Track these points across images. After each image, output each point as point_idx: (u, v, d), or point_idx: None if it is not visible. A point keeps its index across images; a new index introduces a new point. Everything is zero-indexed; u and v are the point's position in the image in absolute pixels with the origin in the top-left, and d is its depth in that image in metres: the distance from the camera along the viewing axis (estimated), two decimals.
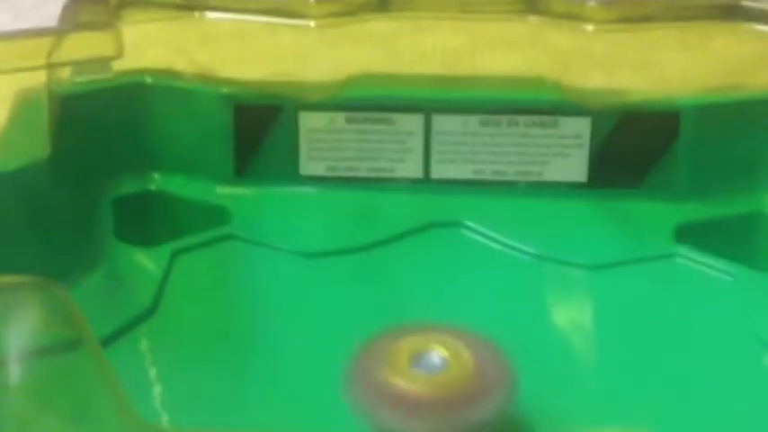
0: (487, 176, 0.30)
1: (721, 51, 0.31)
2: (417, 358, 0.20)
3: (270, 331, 0.25)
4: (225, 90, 0.29)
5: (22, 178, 0.25)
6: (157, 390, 0.23)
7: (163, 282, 0.26)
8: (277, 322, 0.26)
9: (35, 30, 0.25)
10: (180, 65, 0.30)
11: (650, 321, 0.26)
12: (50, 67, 0.25)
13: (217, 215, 0.29)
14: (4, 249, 0.24)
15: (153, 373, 0.24)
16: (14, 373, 0.15)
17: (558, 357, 0.25)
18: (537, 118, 0.29)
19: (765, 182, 0.29)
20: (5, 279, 0.17)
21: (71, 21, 0.26)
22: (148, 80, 0.29)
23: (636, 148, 0.29)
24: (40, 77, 0.27)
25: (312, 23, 0.29)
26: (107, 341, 0.23)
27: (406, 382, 0.20)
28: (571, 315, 0.27)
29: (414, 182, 0.30)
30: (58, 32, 0.25)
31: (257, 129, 0.30)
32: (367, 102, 0.29)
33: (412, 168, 0.30)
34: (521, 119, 0.29)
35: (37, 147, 0.26)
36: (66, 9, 0.28)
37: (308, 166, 0.30)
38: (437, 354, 0.20)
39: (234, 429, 0.16)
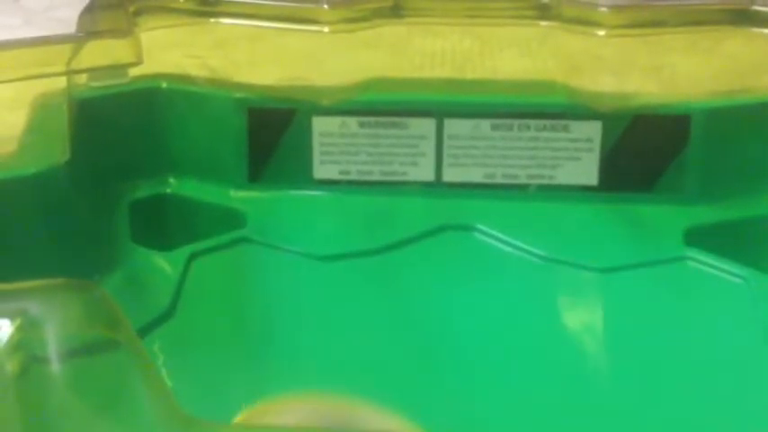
0: (499, 180, 0.30)
1: (732, 55, 0.31)
2: None
3: (285, 333, 0.26)
4: (239, 94, 0.30)
5: (41, 182, 0.26)
6: (175, 391, 0.24)
7: (180, 284, 0.27)
8: (292, 324, 0.26)
9: (55, 36, 0.25)
10: (195, 70, 0.30)
11: (661, 323, 0.26)
12: (70, 73, 0.26)
13: (232, 218, 0.29)
14: (24, 253, 0.25)
15: (171, 374, 0.25)
16: (58, 371, 0.16)
17: (569, 359, 0.25)
18: (548, 122, 0.29)
19: None
20: (45, 282, 0.17)
21: (89, 27, 0.27)
22: (164, 85, 0.30)
23: (646, 151, 0.29)
24: (56, 82, 0.27)
25: (326, 29, 0.30)
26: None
27: None
28: (582, 317, 0.27)
29: (426, 185, 0.30)
30: (78, 39, 0.25)
31: (271, 133, 0.30)
32: (379, 106, 0.30)
33: (424, 172, 0.30)
34: (532, 123, 0.29)
35: (55, 151, 0.26)
36: (84, 16, 0.28)
37: (321, 170, 0.30)
38: None
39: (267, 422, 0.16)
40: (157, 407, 0.16)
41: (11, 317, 0.16)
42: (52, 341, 0.16)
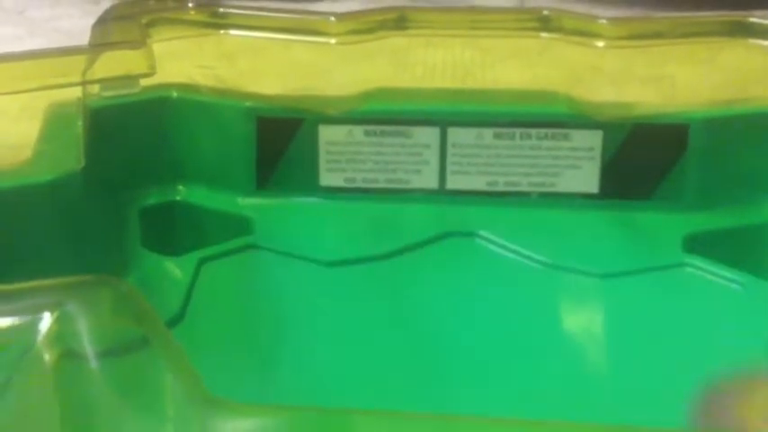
0: (501, 188, 0.30)
1: (730, 66, 0.32)
2: None
3: (292, 336, 0.26)
4: (248, 104, 0.30)
5: (56, 189, 0.26)
6: None
7: (190, 289, 0.27)
8: (299, 327, 0.26)
9: (69, 48, 0.26)
10: (204, 80, 0.31)
11: (660, 329, 0.26)
12: (86, 83, 0.26)
13: (240, 225, 0.30)
14: (39, 258, 0.25)
15: None
16: (92, 362, 0.16)
17: (570, 364, 0.25)
18: (549, 131, 0.30)
19: None
20: (79, 278, 0.18)
21: (103, 39, 0.27)
22: (174, 95, 0.30)
23: (646, 160, 0.30)
24: (69, 92, 0.28)
25: (333, 41, 0.30)
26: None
27: None
28: (583, 323, 0.27)
29: (430, 193, 0.31)
30: (92, 50, 0.26)
31: (278, 141, 0.30)
32: (384, 115, 0.30)
33: (428, 180, 0.31)
34: (533, 131, 0.30)
35: (69, 159, 0.27)
36: (97, 27, 0.29)
37: (327, 178, 0.31)
38: None
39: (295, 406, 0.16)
40: (187, 391, 0.16)
41: (51, 310, 0.17)
42: (87, 333, 0.17)
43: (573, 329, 0.27)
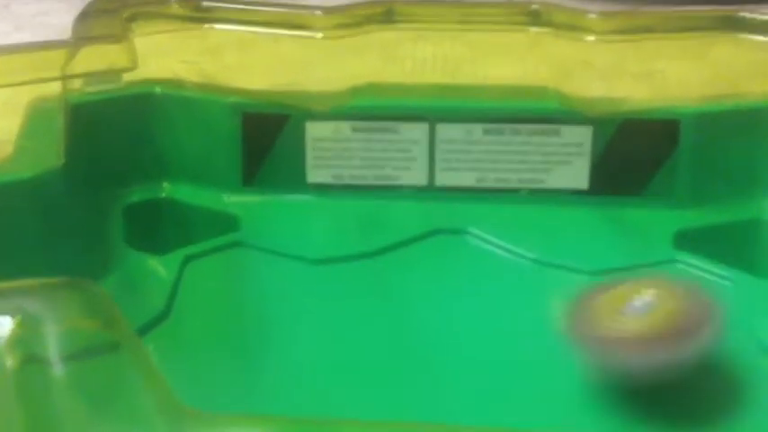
0: (490, 184, 0.30)
1: (721, 61, 0.32)
2: (630, 304, 0.23)
3: (279, 335, 0.26)
4: (233, 99, 0.30)
5: (36, 186, 0.26)
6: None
7: (174, 287, 0.27)
8: (285, 326, 0.26)
9: (50, 42, 0.26)
10: (189, 75, 0.30)
11: None
12: (66, 78, 0.26)
13: (225, 222, 0.29)
14: (20, 256, 0.25)
15: (166, 375, 0.25)
16: (57, 368, 0.16)
17: (559, 360, 0.25)
18: (539, 126, 0.30)
19: (764, 189, 0.29)
20: (45, 280, 0.17)
21: (84, 33, 0.27)
22: (158, 90, 0.30)
23: (636, 155, 0.30)
24: (49, 88, 0.27)
25: (319, 35, 0.30)
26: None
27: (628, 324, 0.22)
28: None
29: (418, 189, 0.30)
30: (73, 45, 0.26)
31: (264, 137, 0.30)
32: (372, 111, 0.30)
33: (416, 176, 0.30)
34: (523, 127, 0.30)
35: (50, 155, 0.26)
36: (78, 22, 0.28)
37: (314, 175, 0.30)
38: (645, 298, 0.23)
39: (267, 414, 0.16)
40: (156, 401, 0.16)
41: (11, 314, 0.16)
42: (51, 338, 0.16)
43: (562, 327, 0.27)
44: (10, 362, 0.16)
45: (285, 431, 0.16)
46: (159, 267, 0.28)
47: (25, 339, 0.16)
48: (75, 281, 0.18)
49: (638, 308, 0.22)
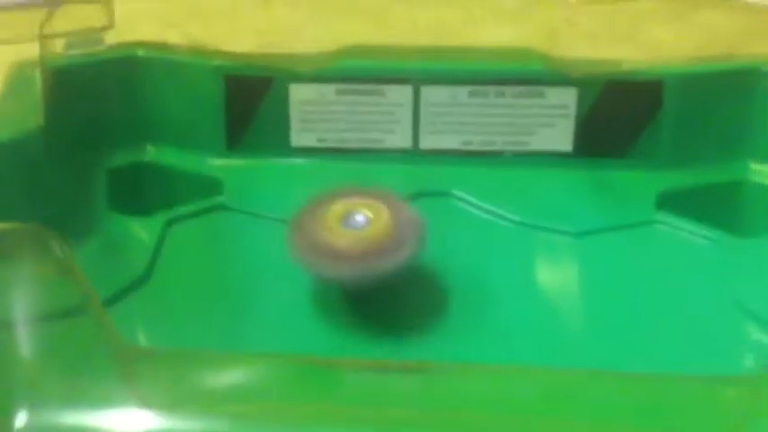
0: (475, 147, 0.30)
1: (707, 24, 0.31)
2: (346, 218, 0.25)
3: (261, 297, 0.26)
4: (216, 62, 0.30)
5: (16, 149, 0.26)
6: None
7: (156, 250, 0.27)
8: (267, 289, 0.26)
9: (26, 2, 0.25)
10: (172, 38, 0.30)
11: (633, 285, 0.26)
12: (43, 38, 0.25)
13: (209, 186, 0.29)
14: (0, 218, 0.25)
15: (147, 338, 0.25)
16: (20, 332, 0.16)
17: (543, 321, 0.25)
18: (524, 89, 0.30)
19: (747, 150, 0.29)
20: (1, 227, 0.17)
21: None
22: (140, 53, 0.30)
23: (620, 117, 0.30)
24: (30, 50, 0.27)
25: None
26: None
27: (336, 238, 0.25)
28: (556, 280, 0.27)
29: (403, 152, 0.30)
30: (50, 4, 0.25)
31: (248, 101, 0.30)
32: (356, 74, 0.30)
33: (401, 139, 0.30)
34: (508, 90, 0.30)
35: (31, 118, 0.26)
36: None
37: (298, 138, 0.30)
38: (362, 214, 0.25)
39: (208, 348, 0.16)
40: (99, 336, 0.16)
41: None
42: (3, 283, 0.16)
43: (547, 287, 0.27)
44: None
45: (227, 365, 0.16)
46: (142, 230, 0.28)
47: None
48: (33, 229, 0.18)
49: (351, 225, 0.25)
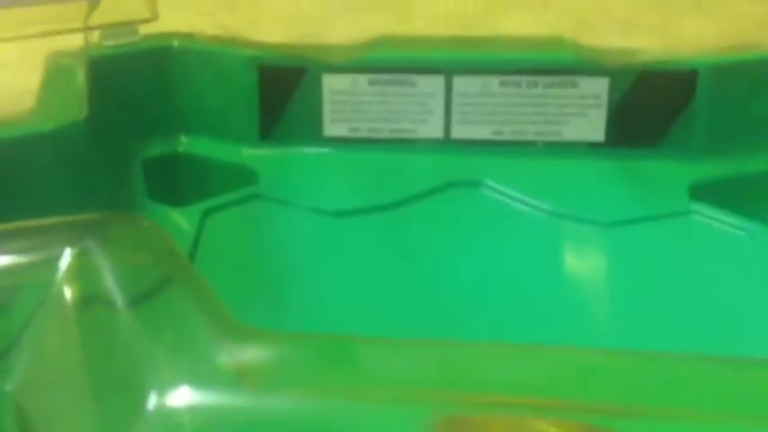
0: (507, 136, 0.30)
1: (737, 13, 0.31)
2: None
3: (298, 286, 0.26)
4: (249, 52, 0.30)
5: (59, 139, 0.26)
6: None
7: (196, 239, 0.27)
8: (305, 277, 0.27)
9: None
10: (206, 28, 0.30)
11: (665, 275, 0.26)
12: (88, 29, 0.26)
13: (243, 176, 0.30)
14: (43, 208, 0.25)
15: None
16: (117, 306, 0.16)
17: (575, 312, 0.25)
18: (556, 78, 0.30)
19: None
20: (100, 214, 0.18)
21: None
22: (175, 43, 0.30)
23: (653, 107, 0.30)
24: (70, 41, 0.27)
25: None
26: (145, 296, 0.24)
27: None
28: (588, 270, 0.27)
29: (435, 142, 0.30)
30: None
31: (281, 91, 0.30)
32: (389, 64, 0.30)
33: (433, 129, 0.30)
34: (540, 79, 0.30)
35: (71, 109, 0.27)
36: None
37: (331, 128, 0.30)
38: None
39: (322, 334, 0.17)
40: (211, 320, 0.16)
41: (70, 245, 0.17)
42: (108, 270, 0.17)
43: (578, 277, 0.27)
44: (69, 294, 0.16)
45: (335, 348, 0.16)
46: (180, 220, 0.28)
47: (84, 272, 0.16)
48: (124, 214, 0.18)
49: None
